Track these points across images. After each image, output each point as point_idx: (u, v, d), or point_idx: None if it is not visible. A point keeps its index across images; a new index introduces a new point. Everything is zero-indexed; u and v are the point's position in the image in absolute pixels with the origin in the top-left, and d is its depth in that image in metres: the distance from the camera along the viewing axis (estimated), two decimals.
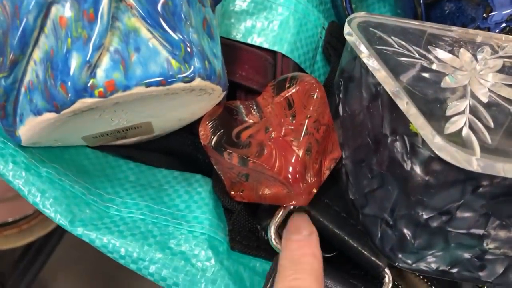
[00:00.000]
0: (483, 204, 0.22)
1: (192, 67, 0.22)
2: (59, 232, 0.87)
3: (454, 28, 0.29)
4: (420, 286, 0.29)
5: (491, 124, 0.22)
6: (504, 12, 0.30)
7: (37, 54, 0.21)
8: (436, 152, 0.20)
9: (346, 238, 0.27)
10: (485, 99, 0.23)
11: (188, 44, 0.22)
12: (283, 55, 0.31)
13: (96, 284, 0.93)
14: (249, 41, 0.31)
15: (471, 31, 0.29)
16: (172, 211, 0.26)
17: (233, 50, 0.31)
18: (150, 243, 0.24)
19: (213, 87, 0.23)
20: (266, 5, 0.31)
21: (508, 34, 0.30)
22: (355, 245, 0.27)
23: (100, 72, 0.20)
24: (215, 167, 0.28)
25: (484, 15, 0.30)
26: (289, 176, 0.25)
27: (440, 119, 0.22)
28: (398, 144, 0.23)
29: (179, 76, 0.21)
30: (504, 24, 0.30)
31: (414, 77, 0.24)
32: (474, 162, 0.20)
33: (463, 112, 0.22)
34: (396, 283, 0.29)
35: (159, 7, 0.21)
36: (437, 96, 0.23)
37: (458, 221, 0.23)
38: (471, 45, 0.28)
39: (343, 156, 0.29)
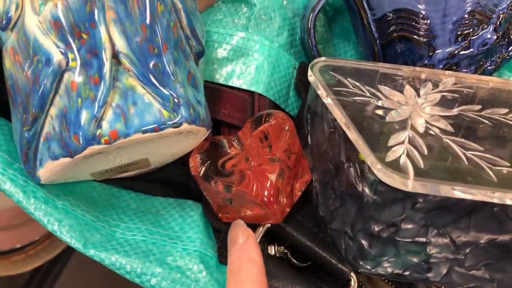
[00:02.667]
0: (422, 217, 0.27)
1: (180, 115, 0.27)
2: (64, 257, 0.91)
3: (402, 67, 0.35)
4: (380, 284, 0.34)
5: (425, 152, 0.27)
6: (445, 51, 0.35)
7: (53, 111, 0.26)
8: (379, 177, 0.25)
9: (316, 249, 0.32)
10: (422, 130, 0.28)
11: (176, 97, 0.27)
12: (260, 94, 0.36)
13: None
14: (230, 83, 0.36)
15: (417, 69, 0.35)
16: (169, 232, 0.31)
17: (216, 92, 0.36)
18: (151, 260, 0.29)
19: (198, 129, 0.28)
20: (244, 52, 0.37)
21: (449, 70, 0.35)
22: (325, 255, 0.31)
23: (105, 124, 0.25)
24: (204, 193, 0.33)
25: (430, 53, 0.35)
26: (265, 199, 0.29)
27: (383, 149, 0.27)
28: (352, 170, 0.28)
29: (169, 123, 0.26)
30: (445, 61, 0.35)
31: (364, 113, 0.29)
32: (409, 184, 0.25)
33: (402, 142, 0.27)
34: (363, 286, 0.34)
35: (150, 68, 0.26)
36: (382, 129, 0.28)
37: (403, 231, 0.27)
38: (417, 81, 0.33)
39: (313, 179, 0.34)
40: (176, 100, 0.27)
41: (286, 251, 0.33)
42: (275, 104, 0.37)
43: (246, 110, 0.36)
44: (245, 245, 0.27)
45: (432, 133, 0.28)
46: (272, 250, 0.32)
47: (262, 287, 0.25)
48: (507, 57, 0.37)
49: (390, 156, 0.26)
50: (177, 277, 0.29)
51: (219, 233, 0.33)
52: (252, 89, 0.36)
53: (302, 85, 0.38)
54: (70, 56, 0.25)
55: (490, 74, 0.37)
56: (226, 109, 0.35)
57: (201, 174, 0.32)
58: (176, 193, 0.35)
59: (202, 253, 0.30)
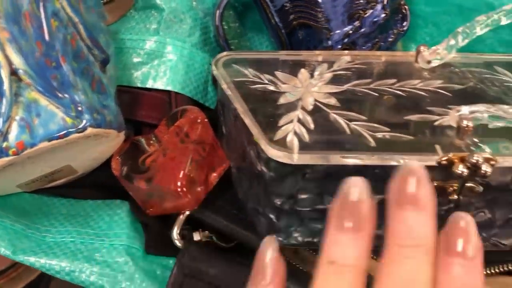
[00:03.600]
0: (314, 186, 0.29)
1: (83, 120, 0.29)
2: (46, 277, 0.93)
3: (302, 52, 0.37)
4: (306, 255, 0.36)
5: (312, 127, 0.29)
6: (341, 32, 0.37)
7: None
8: (268, 154, 0.28)
9: (237, 229, 0.34)
10: (310, 108, 0.31)
11: (78, 104, 0.29)
12: (176, 93, 0.38)
13: None
14: (147, 85, 0.38)
15: (316, 52, 0.37)
16: (97, 231, 0.34)
17: (134, 95, 0.38)
18: (79, 258, 0.31)
19: (106, 131, 0.31)
20: (157, 55, 0.39)
21: (346, 49, 0.38)
22: (245, 234, 0.34)
23: (11, 137, 0.27)
24: (129, 192, 0.35)
25: (328, 36, 0.38)
26: (178, 189, 0.32)
27: (274, 129, 0.29)
28: (252, 152, 0.31)
29: (72, 129, 0.29)
30: (342, 42, 0.37)
31: (258, 99, 0.32)
32: (294, 157, 0.27)
33: (291, 121, 0.30)
34: (290, 261, 0.36)
35: (50, 81, 0.29)
36: (275, 112, 0.31)
37: (301, 201, 0.30)
38: (315, 64, 0.36)
39: (231, 165, 0.36)
40: (78, 107, 0.29)
41: (211, 235, 0.35)
42: (194, 100, 0.40)
43: (164, 109, 0.38)
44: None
45: (321, 110, 0.31)
46: (197, 236, 0.34)
47: None
48: (402, 31, 0.40)
49: (279, 135, 0.29)
50: (105, 271, 0.31)
51: (146, 226, 0.35)
52: (168, 88, 0.38)
53: (215, 81, 0.40)
54: None
55: (388, 48, 0.39)
56: (144, 110, 0.37)
57: (123, 175, 0.34)
58: (106, 195, 0.37)
59: (128, 246, 0.33)
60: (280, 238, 0.32)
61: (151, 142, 0.36)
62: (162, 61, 0.39)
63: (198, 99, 0.40)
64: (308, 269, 0.36)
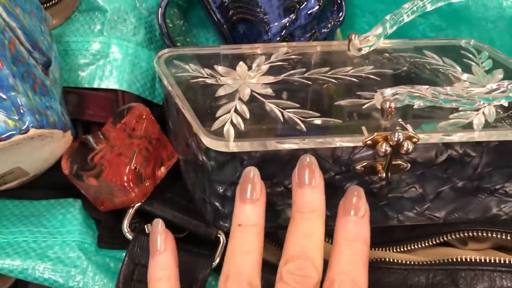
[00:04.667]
0: None
1: (26, 122, 0.30)
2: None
3: (242, 45, 0.39)
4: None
5: (247, 116, 0.31)
6: (278, 25, 0.39)
7: None
8: (206, 144, 0.29)
9: (186, 218, 0.35)
10: (247, 98, 0.33)
11: (19, 106, 0.30)
12: (123, 91, 0.39)
13: None
14: (94, 85, 0.39)
15: (255, 45, 0.39)
16: (50, 229, 0.34)
17: (81, 96, 0.39)
18: (32, 256, 0.32)
19: (51, 131, 0.32)
20: (103, 55, 0.40)
21: (285, 41, 0.39)
22: (194, 223, 0.35)
23: None
24: (80, 189, 0.36)
25: (266, 30, 0.39)
26: (125, 184, 0.33)
27: (212, 120, 0.31)
28: (193, 144, 0.32)
29: (15, 131, 0.29)
30: (279, 35, 0.39)
31: (197, 92, 0.33)
32: (230, 146, 0.29)
33: (228, 112, 0.31)
34: None
35: None
36: (213, 104, 0.32)
37: None
38: (254, 56, 0.38)
39: (179, 158, 0.37)
40: (20, 109, 0.30)
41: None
42: (142, 98, 0.41)
43: (111, 107, 0.39)
44: (161, 258, 0.31)
45: (256, 99, 0.33)
46: (148, 228, 0.36)
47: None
48: (338, 22, 0.41)
49: (216, 125, 0.30)
50: (58, 267, 0.32)
51: (99, 222, 0.36)
52: (115, 87, 0.39)
53: None
54: None
55: (325, 39, 0.41)
56: (91, 109, 0.38)
57: (73, 173, 0.35)
58: (60, 194, 0.38)
59: (80, 242, 0.34)
60: (227, 224, 0.33)
61: (99, 139, 0.37)
62: (108, 61, 0.40)
63: (146, 96, 0.41)
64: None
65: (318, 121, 0.31)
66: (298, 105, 0.32)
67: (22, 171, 0.36)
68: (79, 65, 0.40)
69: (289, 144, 0.29)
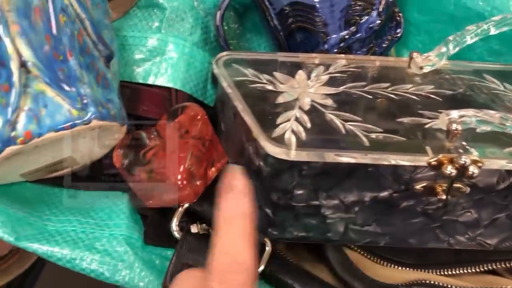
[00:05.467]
0: (310, 182, 0.31)
1: (89, 113, 0.30)
2: (36, 270, 0.92)
3: (299, 54, 0.38)
4: (303, 254, 0.38)
5: (308, 126, 0.31)
6: (337, 36, 0.39)
7: None
8: (266, 150, 0.29)
9: None
10: (307, 107, 0.32)
11: (83, 97, 0.30)
12: (177, 90, 0.39)
13: None
14: (148, 82, 0.39)
15: (313, 54, 0.39)
16: (97, 221, 0.34)
17: (136, 91, 0.39)
18: (80, 246, 0.32)
19: (110, 124, 0.32)
20: (159, 52, 0.40)
21: (342, 53, 0.39)
22: None
23: (19, 126, 0.28)
24: (129, 184, 0.36)
25: (324, 40, 0.39)
26: (179, 182, 0.33)
27: (272, 127, 0.31)
28: (250, 148, 0.32)
29: (78, 121, 0.30)
30: (337, 46, 0.39)
31: (257, 98, 0.33)
32: (292, 154, 0.29)
33: (288, 120, 0.31)
34: (284, 255, 0.37)
35: (58, 74, 0.30)
36: (273, 111, 0.32)
37: (297, 197, 0.31)
38: (312, 66, 0.37)
39: (229, 161, 0.37)
40: (84, 100, 0.30)
41: (207, 227, 0.36)
42: (193, 97, 0.41)
43: (164, 105, 0.39)
44: (240, 196, 0.27)
45: (317, 109, 0.32)
46: (194, 228, 0.35)
47: (252, 242, 0.25)
48: (396, 37, 0.41)
49: (277, 132, 0.30)
50: (105, 259, 0.32)
51: (145, 218, 0.36)
52: (170, 85, 0.39)
53: (215, 79, 0.41)
54: None
55: (382, 54, 0.41)
56: (145, 105, 0.38)
57: (124, 167, 0.35)
58: (106, 186, 0.38)
59: (128, 236, 0.34)
60: (276, 232, 0.33)
61: (152, 136, 0.37)
62: (164, 58, 0.40)
63: (198, 97, 0.41)
64: (299, 262, 0.37)
65: (380, 136, 0.31)
66: (359, 119, 0.32)
67: (73, 161, 0.36)
68: (134, 60, 0.40)
69: (350, 158, 0.29)
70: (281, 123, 0.31)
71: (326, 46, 0.39)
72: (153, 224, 0.36)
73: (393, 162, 0.29)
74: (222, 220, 0.26)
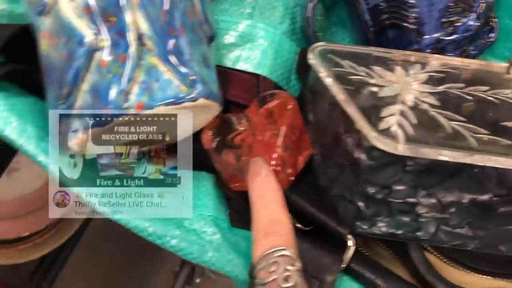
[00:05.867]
0: (411, 179, 0.30)
1: (196, 90, 0.30)
2: (70, 244, 0.94)
3: (393, 50, 0.38)
4: (378, 250, 0.37)
5: (414, 122, 0.30)
6: (432, 36, 0.38)
7: (85, 86, 0.29)
8: (373, 143, 0.29)
9: (317, 213, 0.35)
10: (411, 104, 0.32)
11: (193, 74, 0.30)
12: (264, 77, 0.39)
13: None
14: (237, 67, 0.39)
15: (407, 52, 0.38)
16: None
17: (226, 75, 0.39)
18: (170, 223, 0.32)
19: (212, 104, 0.32)
20: (249, 38, 0.40)
21: (436, 53, 0.38)
22: (324, 219, 0.35)
23: (132, 97, 0.29)
24: (215, 165, 0.36)
25: (418, 39, 0.39)
26: (273, 167, 0.33)
27: (376, 120, 0.30)
28: (349, 140, 0.32)
29: (187, 97, 0.30)
30: (432, 46, 0.38)
31: (359, 90, 0.33)
32: (400, 148, 0.28)
33: (394, 114, 0.31)
34: (361, 249, 0.37)
35: (170, 49, 0.30)
36: (375, 103, 0.32)
37: (395, 193, 0.31)
38: (406, 63, 0.37)
39: (314, 152, 0.37)
40: (193, 77, 0.30)
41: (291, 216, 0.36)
42: (278, 86, 0.41)
43: (252, 91, 0.39)
44: (267, 178, 0.31)
45: (421, 106, 0.32)
46: None
47: (285, 208, 0.30)
48: (488, 42, 0.41)
49: (383, 125, 0.30)
50: (194, 239, 0.32)
51: (229, 200, 0.36)
52: (258, 72, 0.39)
53: (302, 69, 0.41)
54: (100, 37, 0.29)
55: (473, 58, 0.40)
56: (235, 89, 0.39)
57: (213, 147, 0.35)
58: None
59: (215, 217, 0.34)
60: (365, 226, 0.33)
61: (241, 121, 0.37)
62: (254, 45, 0.40)
63: (282, 86, 0.41)
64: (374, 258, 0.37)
65: (485, 138, 0.30)
66: (463, 119, 0.31)
67: (164, 137, 0.36)
68: (224, 45, 0.40)
69: (463, 158, 0.28)
70: (385, 117, 0.31)
71: (419, 45, 0.39)
72: (237, 207, 0.36)
73: (502, 165, 0.28)
74: (256, 196, 0.30)
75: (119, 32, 0.29)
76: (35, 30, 0.31)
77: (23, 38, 0.33)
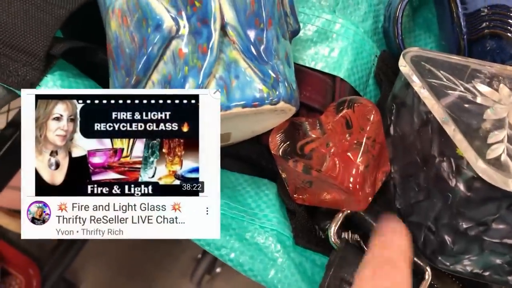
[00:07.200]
0: None
1: (278, 92, 0.27)
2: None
3: (494, 64, 0.34)
4: (449, 282, 0.33)
5: None
6: None
7: (156, 77, 0.26)
8: (479, 173, 0.25)
9: None
10: None
11: (276, 74, 0.27)
12: (341, 79, 0.36)
13: (123, 272, 1.00)
14: (312, 65, 0.36)
15: (508, 67, 0.34)
16: (246, 208, 0.31)
17: (299, 73, 0.35)
18: (231, 234, 0.29)
19: (291, 108, 0.28)
20: (328, 35, 0.36)
21: None
22: None
23: None
24: (281, 173, 0.33)
25: None
26: (350, 185, 0.29)
27: (482, 146, 0.26)
28: (445, 164, 0.28)
29: (267, 100, 0.26)
30: None
31: (459, 108, 0.29)
32: (511, 183, 0.24)
33: (502, 141, 0.27)
34: (432, 282, 0.33)
35: (255, 43, 0.26)
36: (479, 126, 0.28)
37: (493, 231, 0.27)
38: (508, 80, 0.32)
39: (392, 170, 0.33)
40: (276, 77, 0.27)
41: (359, 239, 0.32)
42: (355, 91, 0.37)
43: (327, 94, 0.35)
44: (392, 243, 0.28)
45: None
46: (345, 236, 0.32)
47: (409, 260, 0.27)
48: None
49: (491, 154, 0.26)
50: (256, 254, 0.29)
51: (293, 214, 0.33)
52: (335, 73, 0.35)
53: (382, 74, 0.37)
54: (181, 23, 0.25)
55: None
56: (308, 91, 0.35)
57: (280, 153, 0.32)
58: (249, 169, 0.35)
59: (279, 232, 0.31)
60: (448, 263, 0.29)
61: (314, 127, 0.33)
62: (333, 43, 0.36)
63: (359, 91, 0.37)
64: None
65: None
66: None
67: (227, 138, 0.33)
68: (301, 40, 0.36)
69: None
70: (492, 143, 0.26)
71: None
72: (300, 223, 0.32)
73: None
74: (384, 230, 0.28)
75: (202, 19, 0.25)
76: (103, 4, 0.28)
77: (85, 11, 0.30)
